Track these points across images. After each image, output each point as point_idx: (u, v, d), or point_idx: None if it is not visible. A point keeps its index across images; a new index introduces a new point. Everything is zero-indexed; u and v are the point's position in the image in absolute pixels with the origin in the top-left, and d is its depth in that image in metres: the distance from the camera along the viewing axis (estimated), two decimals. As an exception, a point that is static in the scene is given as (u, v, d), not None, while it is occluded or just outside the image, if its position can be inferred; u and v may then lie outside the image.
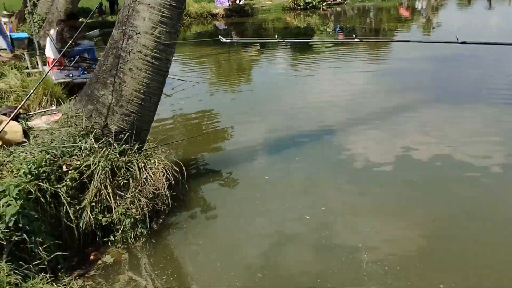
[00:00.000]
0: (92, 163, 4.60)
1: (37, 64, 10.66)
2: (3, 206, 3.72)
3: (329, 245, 4.49)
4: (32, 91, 4.71)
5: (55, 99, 7.48)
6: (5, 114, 5.08)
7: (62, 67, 10.10)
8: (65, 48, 7.29)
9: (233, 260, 4.32)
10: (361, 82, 10.78)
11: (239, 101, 10.05)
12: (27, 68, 10.30)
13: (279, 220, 5.00)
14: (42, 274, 3.41)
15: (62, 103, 7.85)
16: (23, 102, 4.79)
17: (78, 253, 4.39)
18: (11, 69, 9.37)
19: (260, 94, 10.49)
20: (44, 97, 7.37)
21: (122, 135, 5.08)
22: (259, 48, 17.24)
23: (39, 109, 6.96)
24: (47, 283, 3.18)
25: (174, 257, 4.38)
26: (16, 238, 3.73)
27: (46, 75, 5.95)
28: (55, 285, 3.20)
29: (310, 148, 6.90)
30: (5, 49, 11.12)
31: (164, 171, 5.04)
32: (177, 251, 4.46)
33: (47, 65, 10.04)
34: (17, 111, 4.75)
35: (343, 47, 15.51)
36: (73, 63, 10.16)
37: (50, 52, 9.89)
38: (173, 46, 5.15)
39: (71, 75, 9.78)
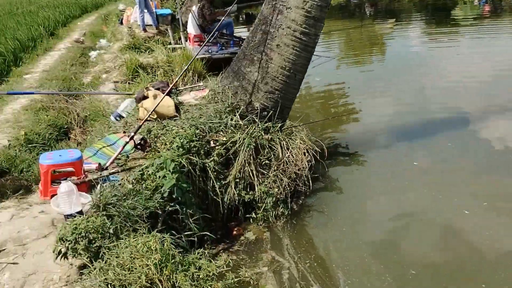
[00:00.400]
0: (238, 140, 4.63)
1: (179, 40, 11.26)
2: (159, 178, 3.90)
3: (495, 248, 3.97)
4: (186, 67, 4.88)
5: (196, 74, 7.79)
6: (158, 89, 5.35)
7: (201, 43, 10.49)
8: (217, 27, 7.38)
9: (380, 251, 4.07)
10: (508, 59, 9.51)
11: (371, 77, 9.55)
12: (170, 43, 10.91)
13: (434, 213, 4.57)
14: (201, 249, 3.51)
15: (204, 79, 8.21)
16: (177, 78, 4.98)
17: (222, 226, 4.49)
18: (157, 44, 10.01)
19: (393, 69, 9.86)
20: (187, 73, 7.71)
21: (265, 113, 5.05)
22: (394, 21, 16.25)
23: (182, 83, 7.30)
24: (207, 260, 3.24)
25: (316, 241, 4.26)
26: (170, 209, 3.91)
27: (200, 50, 6.06)
28: (213, 262, 3.25)
29: (459, 133, 6.25)
30: (151, 25, 11.85)
31: (306, 151, 4.91)
32: (319, 235, 4.33)
33: (189, 41, 10.51)
34: (172, 87, 4.97)
35: (488, 20, 13.92)
36: (212, 39, 10.50)
37: (191, 28, 10.29)
38: (322, 21, 4.92)
39: (210, 50, 10.10)
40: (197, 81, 7.65)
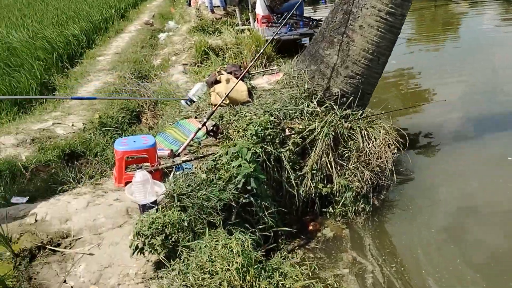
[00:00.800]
0: (315, 128, 4.33)
1: (246, 21, 11.01)
2: (234, 167, 3.70)
3: None
4: (261, 51, 4.58)
5: (265, 57, 7.52)
6: (230, 73, 5.14)
7: (270, 24, 10.18)
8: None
9: (477, 258, 3.63)
10: None
11: (445, 59, 8.84)
12: (237, 25, 10.69)
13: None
14: (284, 253, 3.28)
15: (273, 61, 7.92)
16: (252, 61, 4.72)
17: (297, 220, 4.23)
18: (225, 26, 9.82)
19: (469, 51, 9.07)
20: (256, 55, 7.44)
21: (345, 99, 4.70)
22: (470, 1, 15.08)
23: (243, 64, 7.05)
24: (291, 265, 3.01)
25: (401, 242, 3.90)
26: (244, 201, 3.70)
27: (275, 34, 5.77)
28: (297, 267, 3.02)
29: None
30: (219, 6, 11.67)
31: (388, 141, 4.52)
32: (405, 236, 3.96)
33: (257, 22, 10.23)
34: (246, 70, 4.73)
35: None
36: (281, 19, 10.16)
37: (260, 9, 9.99)
38: (410, 0, 4.46)
39: (279, 32, 9.77)
40: (267, 64, 7.41)
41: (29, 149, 4.45)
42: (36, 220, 3.26)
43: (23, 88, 6.02)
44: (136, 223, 2.74)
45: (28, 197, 3.61)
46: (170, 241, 2.72)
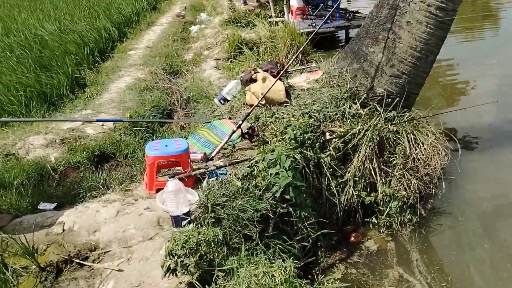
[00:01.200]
0: (358, 132, 4.02)
1: (280, 13, 10.68)
2: (271, 175, 3.44)
3: None
4: (301, 48, 4.27)
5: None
6: (266, 70, 4.86)
7: (305, 16, 9.83)
8: None
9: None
10: None
11: (485, 53, 8.31)
12: (270, 17, 10.36)
13: None
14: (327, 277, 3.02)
15: (308, 55, 7.59)
16: (291, 61, 4.42)
17: (337, 231, 3.95)
18: (258, 18, 9.52)
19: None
20: (291, 49, 7.14)
21: (389, 100, 4.37)
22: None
23: (285, 60, 6.75)
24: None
25: (452, 258, 3.58)
26: (281, 211, 3.45)
27: (318, 29, 5.44)
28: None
29: None
30: (251, -3, 11.39)
31: (436, 146, 4.17)
32: (455, 251, 3.64)
33: (291, 14, 9.89)
34: (285, 69, 4.43)
35: None
36: (316, 11, 9.80)
37: (294, 1, 9.64)
38: (464, -7, 4.09)
39: (314, 24, 9.42)
40: (303, 60, 7.10)
41: (58, 150, 4.31)
42: (63, 230, 3.10)
43: (54, 84, 5.90)
44: (169, 241, 2.52)
45: (56, 204, 3.45)
46: (205, 261, 2.48)
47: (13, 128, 4.86)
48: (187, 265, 2.39)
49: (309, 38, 4.34)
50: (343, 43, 10.58)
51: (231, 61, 6.94)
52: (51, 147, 4.34)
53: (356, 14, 10.22)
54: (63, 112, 5.33)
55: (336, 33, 10.35)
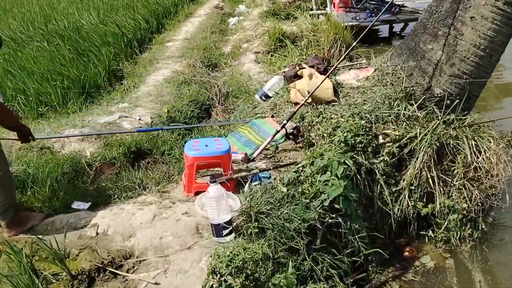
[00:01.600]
0: (415, 136, 3.67)
1: (321, 6, 10.29)
2: (320, 182, 3.14)
3: None
4: (354, 43, 3.90)
5: (344, 45, 6.83)
6: (312, 66, 4.55)
7: (348, 9, 9.44)
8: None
9: None
10: None
11: None
12: (311, 9, 9.99)
13: None
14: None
15: (352, 50, 7.21)
16: (341, 58, 4.07)
17: (389, 243, 3.62)
18: (299, 10, 9.16)
19: None
20: (335, 43, 6.78)
21: (448, 102, 3.98)
22: None
23: (328, 54, 6.40)
24: None
25: (521, 281, 3.20)
26: (330, 221, 3.15)
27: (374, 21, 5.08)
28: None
29: None
30: (292, -11, 11.01)
31: (499, 154, 3.77)
32: (525, 273, 3.26)
33: (333, 6, 9.51)
34: (335, 67, 4.10)
35: None
36: (360, 4, 9.39)
37: (337, -8, 9.27)
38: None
39: (357, 17, 9.02)
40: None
41: (94, 145, 4.13)
42: (97, 233, 2.90)
43: (92, 75, 5.76)
44: (211, 256, 2.27)
45: (90, 203, 3.26)
46: (251, 281, 2.22)
47: (49, 120, 4.73)
48: (232, 286, 2.13)
49: (364, 31, 3.97)
50: (386, 37, 10.14)
51: (271, 54, 6.65)
52: (87, 141, 4.17)
53: (402, 8, 9.76)
54: (99, 105, 5.16)
55: (378, 27, 9.89)
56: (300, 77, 4.47)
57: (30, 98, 5.09)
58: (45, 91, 5.25)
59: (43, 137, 4.01)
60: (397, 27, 10.38)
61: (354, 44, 4.03)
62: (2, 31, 8.01)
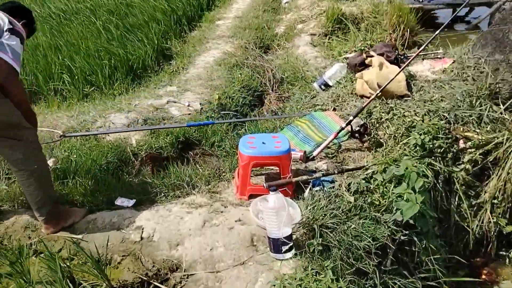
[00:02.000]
0: (501, 142, 3.17)
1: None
2: (393, 194, 2.73)
3: None
4: (437, 32, 3.36)
5: (408, 29, 6.25)
6: (381, 54, 4.06)
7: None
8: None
9: None
10: None
11: None
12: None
13: None
14: None
15: (416, 35, 6.61)
16: (424, 45, 3.56)
17: (464, 263, 3.17)
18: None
19: None
20: (397, 27, 6.22)
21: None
22: None
23: (390, 40, 5.86)
24: None
25: None
26: (402, 238, 2.75)
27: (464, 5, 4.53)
28: None
29: None
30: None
31: None
32: None
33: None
34: (416, 55, 3.59)
35: None
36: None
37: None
38: None
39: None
40: (409, 40, 6.18)
41: (140, 132, 3.86)
42: (141, 238, 2.62)
43: (139, 54, 5.48)
44: (274, 286, 1.93)
45: (135, 200, 2.99)
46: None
47: (94, 101, 4.50)
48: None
49: (455, 14, 3.44)
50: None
51: (329, 37, 6.16)
52: (133, 127, 3.90)
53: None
54: (146, 87, 4.89)
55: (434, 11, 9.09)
56: (367, 66, 4.01)
57: (76, 77, 4.87)
58: (92, 69, 5.02)
59: (73, 134, 3.68)
60: (462, 12, 9.56)
61: (431, 38, 3.46)
62: (51, 2, 7.86)
